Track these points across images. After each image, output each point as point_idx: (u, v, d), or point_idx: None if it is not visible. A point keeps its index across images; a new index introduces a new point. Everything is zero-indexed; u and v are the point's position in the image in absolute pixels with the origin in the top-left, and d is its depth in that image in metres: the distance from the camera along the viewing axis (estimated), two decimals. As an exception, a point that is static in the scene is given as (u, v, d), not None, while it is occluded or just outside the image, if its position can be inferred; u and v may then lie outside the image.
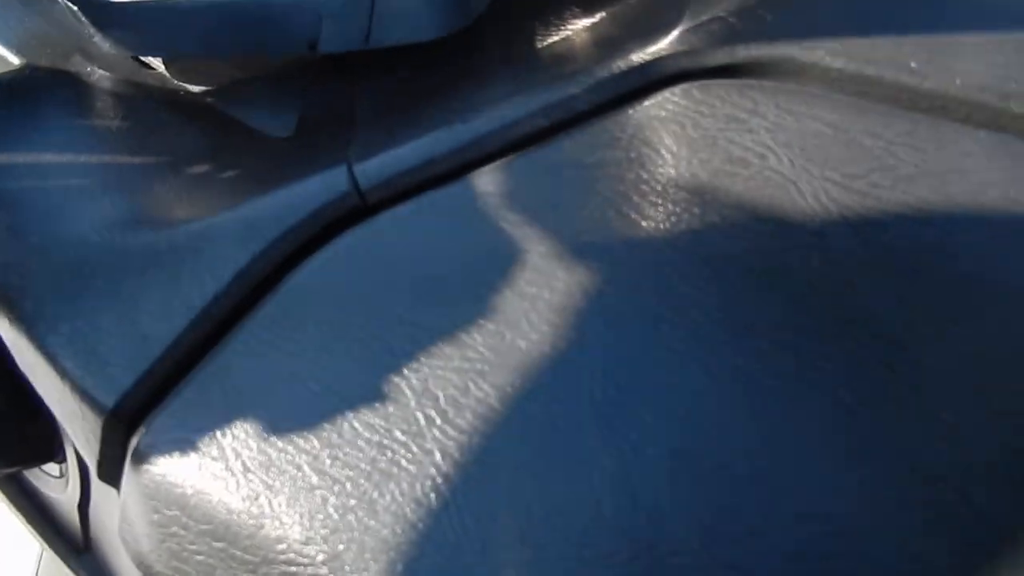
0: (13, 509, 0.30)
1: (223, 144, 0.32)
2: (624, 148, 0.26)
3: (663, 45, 0.27)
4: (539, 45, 0.32)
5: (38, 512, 0.30)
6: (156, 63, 0.36)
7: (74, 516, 0.28)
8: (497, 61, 0.33)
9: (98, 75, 0.35)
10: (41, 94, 0.33)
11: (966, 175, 0.22)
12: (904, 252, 0.22)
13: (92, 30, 0.33)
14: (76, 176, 0.30)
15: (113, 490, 0.24)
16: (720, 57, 0.27)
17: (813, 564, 0.18)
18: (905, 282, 0.21)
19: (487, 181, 0.26)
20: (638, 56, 0.27)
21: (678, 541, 0.19)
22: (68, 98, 0.34)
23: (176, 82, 0.35)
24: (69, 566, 0.28)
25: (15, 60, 0.36)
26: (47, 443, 0.27)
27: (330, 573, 0.19)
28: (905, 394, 0.19)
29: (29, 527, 0.29)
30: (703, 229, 0.24)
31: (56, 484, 0.29)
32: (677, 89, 0.26)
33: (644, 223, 0.24)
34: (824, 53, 0.25)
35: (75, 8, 0.32)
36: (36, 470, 0.29)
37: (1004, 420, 0.18)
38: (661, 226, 0.24)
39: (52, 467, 0.29)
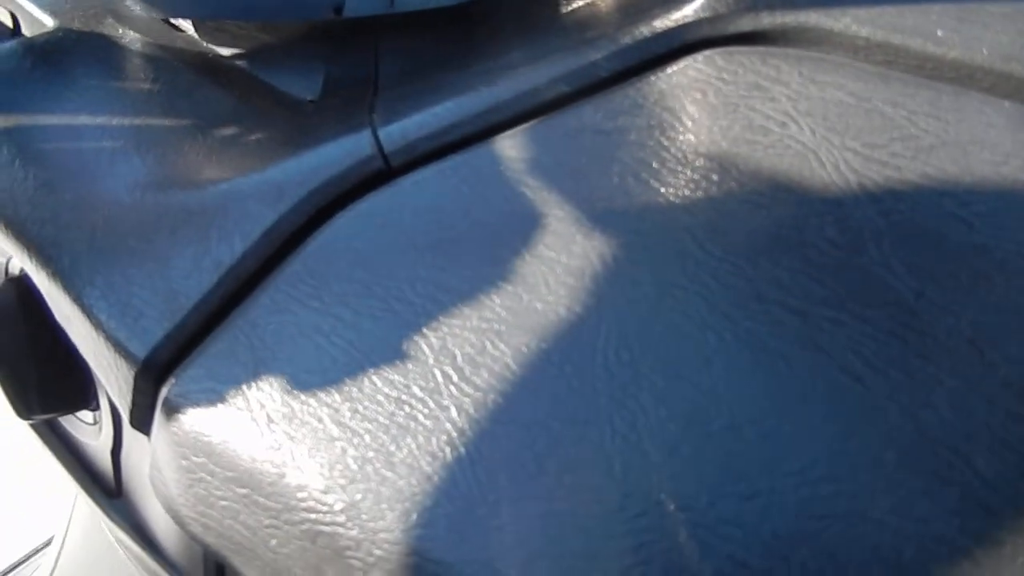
0: (50, 454, 0.31)
1: (251, 106, 0.33)
2: (645, 115, 0.26)
3: (687, 11, 0.27)
4: (561, 11, 0.32)
5: (73, 457, 0.31)
6: (186, 25, 0.36)
7: (107, 462, 0.30)
8: (519, 26, 0.33)
9: (130, 37, 0.35)
10: (73, 55, 0.34)
11: (988, 146, 0.22)
12: (921, 222, 0.22)
13: None
14: (108, 136, 0.31)
15: (145, 437, 0.25)
16: (744, 24, 0.26)
17: (815, 523, 0.18)
18: (920, 252, 0.21)
19: (509, 146, 0.26)
20: (661, 23, 0.27)
21: (685, 498, 0.19)
22: (100, 60, 0.34)
23: (205, 44, 0.36)
24: (103, 510, 0.29)
25: (49, 21, 0.37)
26: (81, 391, 0.28)
27: (348, 520, 0.20)
28: (912, 360, 0.20)
29: (65, 471, 0.31)
30: (721, 197, 0.24)
31: (90, 431, 0.30)
32: (700, 56, 0.26)
33: (663, 189, 0.24)
34: (850, 21, 0.25)
35: None
36: (71, 417, 0.31)
37: (1009, 388, 0.18)
38: (680, 193, 0.24)
39: (86, 415, 0.30)
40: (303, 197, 0.26)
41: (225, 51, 0.36)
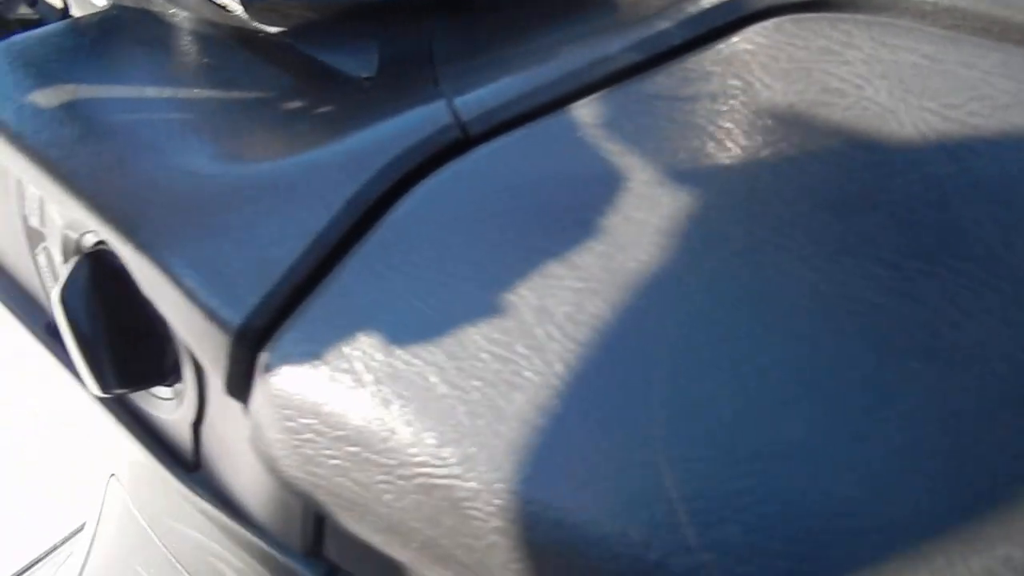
0: (124, 431, 0.31)
1: (308, 82, 0.33)
2: (718, 81, 0.26)
3: None
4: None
5: (146, 433, 0.32)
6: (233, 5, 0.36)
7: (185, 435, 0.30)
8: (572, 3, 0.33)
9: (180, 16, 0.36)
10: (129, 33, 0.34)
11: None
12: (1003, 177, 0.23)
13: None
14: (174, 110, 0.31)
15: (236, 407, 0.25)
16: None
17: (924, 461, 0.19)
18: (1005, 205, 0.22)
19: (586, 112, 0.26)
20: None
21: (796, 442, 0.20)
22: (155, 37, 0.34)
23: (254, 24, 0.36)
24: (181, 482, 0.29)
25: (99, 1, 0.36)
26: (159, 366, 0.28)
27: (464, 472, 0.21)
28: (1008, 307, 0.20)
29: (139, 447, 0.31)
30: (801, 156, 0.24)
31: (166, 405, 0.30)
32: (769, 23, 0.27)
33: (742, 151, 0.25)
34: None
35: None
36: (144, 393, 0.31)
37: None
38: (760, 154, 0.25)
39: (160, 390, 0.30)
40: (384, 166, 0.26)
41: (274, 29, 0.36)
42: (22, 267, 0.37)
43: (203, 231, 0.26)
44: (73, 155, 0.28)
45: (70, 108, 0.29)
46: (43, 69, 0.31)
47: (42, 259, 0.35)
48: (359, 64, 0.34)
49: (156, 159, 0.28)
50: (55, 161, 0.28)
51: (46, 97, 0.29)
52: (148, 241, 0.25)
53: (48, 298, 0.36)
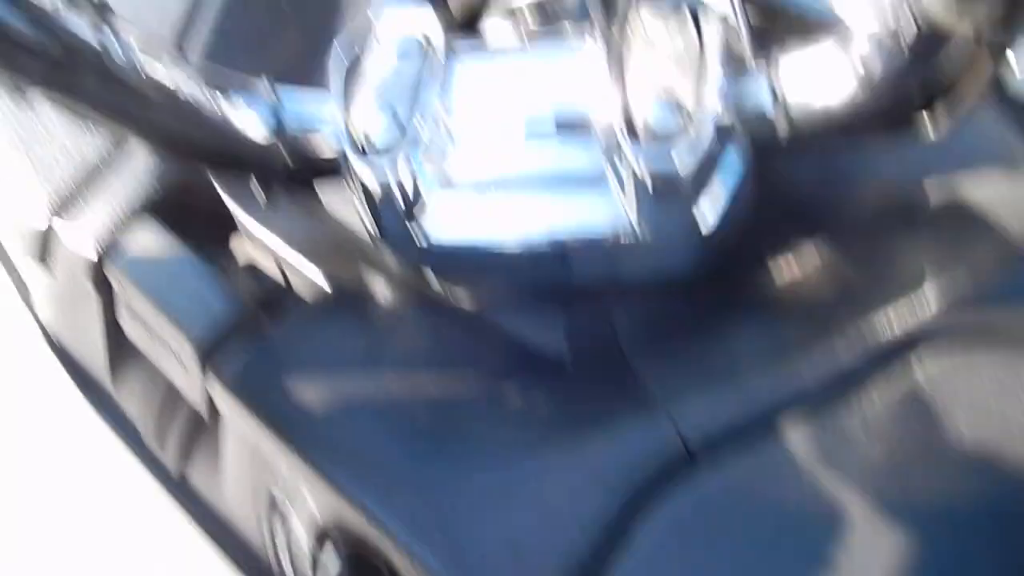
0: None
1: (513, 363, 0.38)
2: (907, 415, 0.31)
3: (920, 303, 0.32)
4: (791, 288, 0.37)
5: None
6: (433, 281, 0.42)
7: None
8: (745, 301, 0.38)
9: (390, 292, 0.41)
10: (353, 314, 0.39)
11: None
12: None
13: (379, 242, 0.39)
14: (409, 400, 0.35)
15: None
16: (976, 320, 0.32)
17: None
18: None
19: (798, 439, 0.31)
20: (898, 317, 0.32)
21: None
22: (374, 317, 0.39)
23: (449, 296, 0.41)
24: None
25: (311, 269, 0.41)
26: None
27: None
28: None
29: None
30: (992, 495, 0.28)
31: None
32: (945, 359, 0.31)
33: (938, 486, 0.29)
34: None
35: (371, 226, 0.38)
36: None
37: None
38: (956, 489, 0.29)
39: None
40: (626, 488, 0.30)
41: (468, 304, 0.41)
42: (249, 528, 0.41)
43: (470, 543, 0.30)
44: (340, 454, 0.32)
45: (327, 403, 0.34)
46: (293, 361, 0.36)
47: (279, 529, 0.39)
48: (546, 337, 0.38)
49: (410, 459, 0.32)
50: (328, 463, 0.32)
51: (306, 393, 0.34)
52: (425, 558, 0.30)
53: (278, 565, 0.40)
